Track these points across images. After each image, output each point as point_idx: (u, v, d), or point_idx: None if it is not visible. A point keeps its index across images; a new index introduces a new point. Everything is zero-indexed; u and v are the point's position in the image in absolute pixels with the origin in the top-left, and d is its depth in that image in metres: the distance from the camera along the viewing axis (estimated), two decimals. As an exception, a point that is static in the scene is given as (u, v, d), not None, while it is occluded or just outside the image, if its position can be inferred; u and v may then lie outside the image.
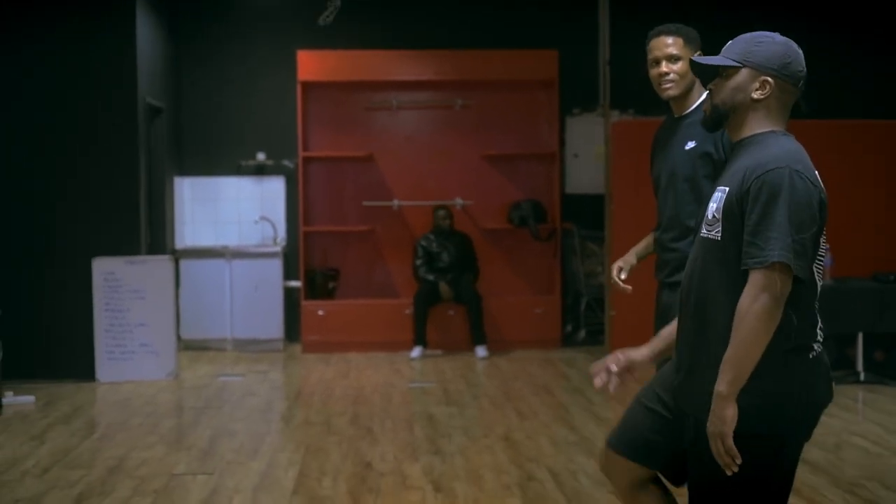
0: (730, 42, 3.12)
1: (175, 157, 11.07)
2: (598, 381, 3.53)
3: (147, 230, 9.79)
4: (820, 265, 3.02)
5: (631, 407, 3.52)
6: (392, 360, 10.21)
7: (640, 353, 3.50)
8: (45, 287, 9.06)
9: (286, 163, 11.26)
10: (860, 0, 11.41)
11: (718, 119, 3.11)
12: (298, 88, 10.92)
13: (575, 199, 11.35)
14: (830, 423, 7.22)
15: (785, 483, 3.07)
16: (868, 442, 6.79)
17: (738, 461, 2.90)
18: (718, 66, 3.08)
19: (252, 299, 10.80)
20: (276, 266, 10.88)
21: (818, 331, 3.04)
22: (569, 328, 11.29)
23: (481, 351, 10.40)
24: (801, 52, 3.08)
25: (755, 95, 3.04)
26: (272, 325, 10.83)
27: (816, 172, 3.00)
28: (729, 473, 2.93)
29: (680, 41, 4.44)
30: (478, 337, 10.49)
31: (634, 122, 10.56)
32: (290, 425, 7.59)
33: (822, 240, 3.01)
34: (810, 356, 2.99)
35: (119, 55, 9.18)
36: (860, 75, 11.38)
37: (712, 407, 2.92)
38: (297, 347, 10.87)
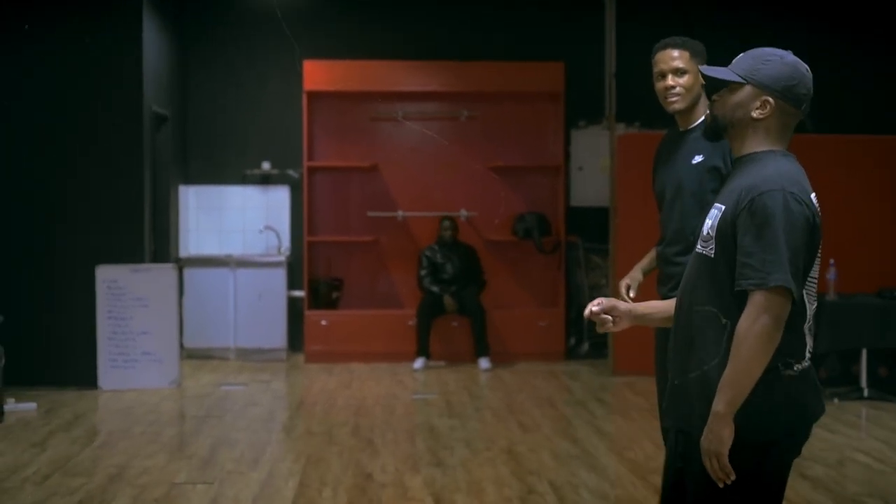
0: (741, 55, 3.10)
1: (180, 165, 11.07)
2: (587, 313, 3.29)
3: (151, 238, 9.79)
4: (811, 286, 3.01)
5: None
6: (395, 371, 10.20)
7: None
8: (48, 294, 9.06)
9: (291, 172, 11.26)
10: (867, 10, 11.39)
11: (716, 130, 3.12)
12: (304, 98, 10.93)
13: (579, 211, 11.33)
14: (833, 440, 7.20)
15: (773, 495, 3.06)
16: (871, 458, 6.76)
17: (732, 478, 2.91)
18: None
19: (256, 308, 10.79)
20: (280, 275, 10.87)
21: (806, 351, 3.03)
22: (572, 341, 11.27)
23: (484, 363, 10.38)
24: (808, 74, 3.05)
25: (755, 114, 3.03)
26: (275, 334, 10.82)
27: (813, 195, 3.00)
28: (721, 486, 2.94)
29: (686, 54, 4.42)
30: (481, 349, 10.48)
31: (640, 134, 10.55)
32: (291, 435, 7.57)
33: (817, 261, 3.01)
34: (795, 368, 2.99)
35: (125, 63, 9.20)
36: (867, 89, 11.37)
37: (709, 425, 2.92)
38: (299, 357, 10.85)
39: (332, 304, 11.06)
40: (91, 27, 9.14)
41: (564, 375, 10.00)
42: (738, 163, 3.09)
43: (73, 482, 6.10)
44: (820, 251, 3.01)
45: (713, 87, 3.16)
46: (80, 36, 9.12)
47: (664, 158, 4.58)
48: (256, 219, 11.35)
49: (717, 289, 2.99)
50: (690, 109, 4.45)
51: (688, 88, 4.42)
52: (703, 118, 4.42)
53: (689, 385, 3.05)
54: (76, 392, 8.85)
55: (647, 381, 8.62)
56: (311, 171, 11.12)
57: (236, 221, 11.36)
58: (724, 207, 3.00)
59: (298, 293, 11.06)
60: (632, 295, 4.52)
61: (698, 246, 3.09)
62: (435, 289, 10.61)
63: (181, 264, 10.63)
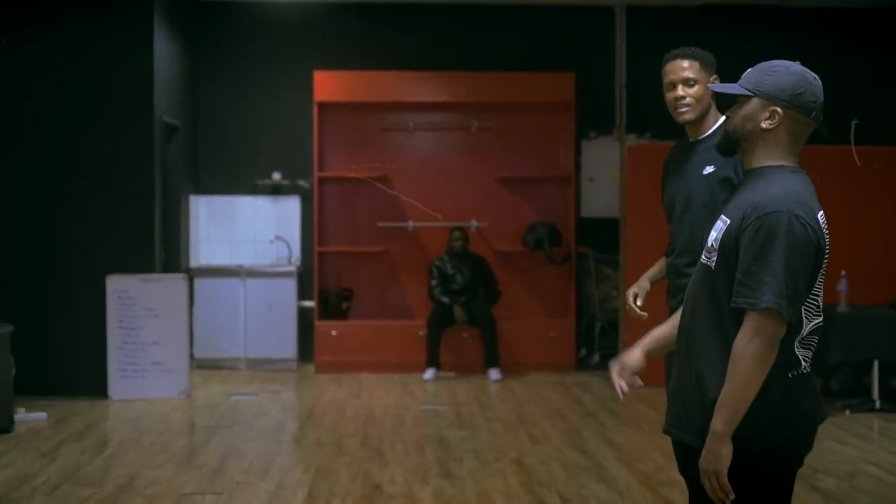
0: (749, 69, 3.12)
1: (191, 175, 11.09)
2: (619, 390, 3.56)
3: (162, 248, 9.80)
4: (812, 303, 3.02)
5: None
6: (405, 382, 10.18)
7: (633, 355, 3.53)
8: (58, 304, 9.07)
9: (302, 183, 11.27)
10: (882, 22, 11.37)
11: (730, 145, 3.14)
12: (315, 109, 10.94)
13: (590, 222, 11.32)
14: (845, 452, 7.17)
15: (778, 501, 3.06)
16: (882, 471, 6.72)
17: (732, 497, 2.94)
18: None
19: (266, 319, 10.80)
20: (291, 286, 10.87)
21: (802, 361, 3.03)
22: (583, 352, 11.25)
23: (495, 374, 10.36)
24: (817, 82, 3.05)
25: (764, 125, 3.03)
26: (285, 344, 10.81)
27: (821, 213, 3.01)
28: None
29: (696, 65, 4.41)
30: (491, 359, 10.46)
31: (650, 145, 10.54)
32: (300, 446, 7.56)
33: (820, 278, 3.02)
34: (790, 375, 3.00)
35: (136, 73, 9.22)
36: (878, 98, 11.34)
37: (707, 445, 2.95)
38: (310, 367, 10.85)
39: (342, 315, 11.05)
40: (102, 37, 9.17)
41: (575, 386, 9.98)
42: (748, 175, 3.10)
43: (82, 492, 6.10)
44: (825, 268, 3.02)
45: (727, 105, 3.17)
46: (92, 46, 9.15)
47: (674, 169, 4.56)
48: (267, 229, 11.36)
49: (716, 300, 3.02)
50: (700, 120, 4.44)
51: (698, 99, 4.40)
52: (713, 129, 4.41)
53: (686, 390, 3.09)
54: (86, 402, 8.85)
55: (657, 393, 8.58)
56: (322, 181, 11.13)
57: (247, 232, 11.37)
58: (729, 221, 3.02)
59: (309, 303, 11.06)
60: (639, 303, 4.50)
61: (703, 256, 3.12)
62: (445, 299, 10.61)
63: (192, 274, 10.63)
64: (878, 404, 8.59)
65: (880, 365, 8.66)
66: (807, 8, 11.19)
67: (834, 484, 6.31)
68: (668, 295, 4.54)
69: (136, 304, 9.02)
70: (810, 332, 3.03)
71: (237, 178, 11.32)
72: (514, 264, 11.34)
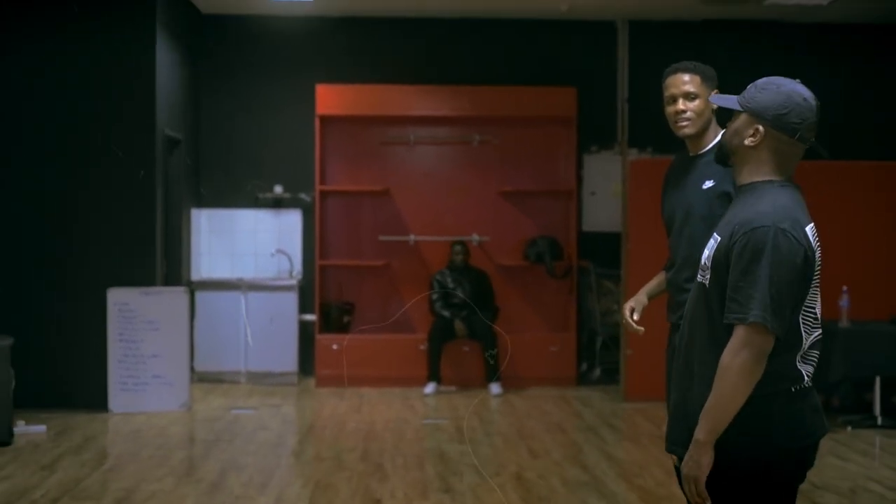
0: (751, 84, 3.14)
1: (192, 188, 11.09)
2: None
3: (163, 261, 9.79)
4: (809, 315, 3.02)
5: None
6: (405, 396, 10.16)
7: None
8: (59, 316, 9.07)
9: (303, 196, 11.26)
10: (883, 38, 11.38)
11: (722, 156, 3.19)
12: (316, 122, 10.94)
13: (591, 236, 11.31)
14: (846, 468, 7.14)
15: None
16: (884, 488, 6.70)
17: (708, 503, 2.99)
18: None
19: (267, 332, 10.78)
20: (292, 299, 10.86)
21: (804, 375, 3.04)
22: (584, 366, 11.23)
23: (495, 388, 10.34)
24: (806, 103, 3.05)
25: (747, 142, 3.08)
26: (286, 358, 10.80)
27: (810, 226, 3.03)
28: None
29: (697, 79, 4.40)
30: (492, 374, 10.44)
31: (652, 160, 10.54)
32: (300, 460, 7.54)
33: (814, 290, 3.04)
34: (792, 389, 3.01)
35: (138, 86, 9.23)
36: (879, 115, 11.34)
37: (689, 451, 3.00)
38: (310, 381, 10.83)
39: (343, 329, 11.04)
40: (105, 50, 9.19)
41: (575, 401, 9.95)
42: (738, 192, 3.15)
43: (80, 505, 6.09)
44: (818, 280, 3.04)
45: (727, 120, 3.21)
46: (94, 59, 9.16)
47: (674, 183, 4.55)
48: (268, 242, 11.35)
49: (711, 317, 3.05)
50: (701, 134, 4.43)
51: (698, 113, 4.39)
52: (713, 143, 4.40)
53: (687, 407, 3.10)
54: (86, 415, 8.84)
55: (658, 408, 8.59)
56: (323, 194, 11.13)
57: (248, 245, 11.36)
58: (720, 238, 3.06)
59: (310, 317, 11.05)
60: (636, 318, 4.49)
61: (698, 274, 3.16)
62: (446, 313, 10.59)
63: (193, 287, 10.63)
64: (879, 420, 8.57)
65: (882, 381, 8.63)
66: (808, 23, 11.19)
67: (835, 500, 6.29)
68: (668, 310, 4.53)
69: (136, 317, 9.01)
70: (811, 347, 3.03)
71: (239, 191, 11.31)
72: (515, 278, 11.33)
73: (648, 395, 9.32)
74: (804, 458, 3.06)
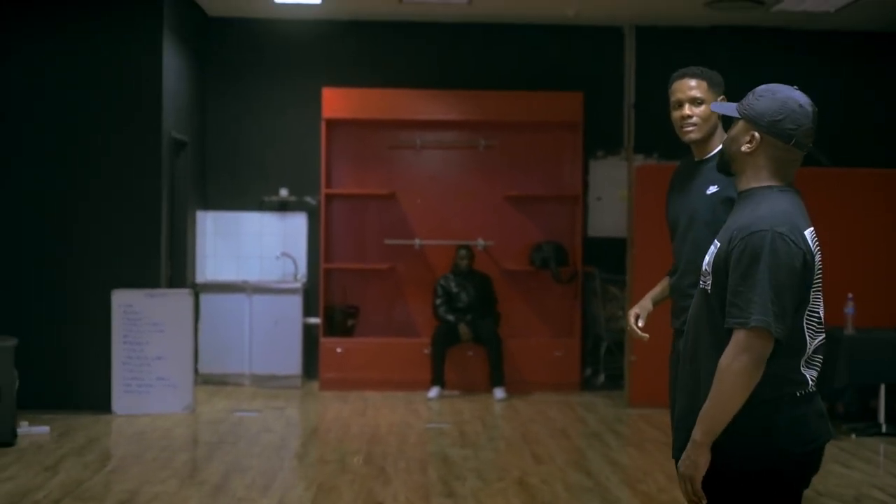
0: (751, 90, 3.16)
1: (198, 190, 11.09)
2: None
3: (168, 263, 9.80)
4: (813, 320, 3.03)
5: None
6: (409, 400, 10.16)
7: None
8: (63, 318, 9.07)
9: (309, 199, 11.27)
10: (890, 45, 11.36)
11: (723, 164, 3.22)
12: (323, 125, 10.95)
13: (597, 242, 11.30)
14: (850, 476, 7.13)
15: None
16: (888, 496, 6.68)
17: (704, 502, 3.02)
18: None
19: (271, 335, 10.78)
20: (297, 302, 10.86)
21: (809, 380, 3.04)
22: (588, 372, 11.21)
23: (499, 392, 10.33)
24: (802, 110, 3.06)
25: (743, 148, 3.10)
26: (290, 361, 10.80)
27: (809, 231, 3.03)
28: None
29: (704, 84, 4.40)
30: (496, 378, 10.43)
31: (658, 166, 10.53)
32: (303, 462, 7.54)
33: (816, 294, 3.04)
34: (798, 394, 3.02)
35: (145, 88, 9.24)
36: (884, 122, 11.32)
37: (687, 451, 3.02)
38: (314, 384, 10.83)
39: (347, 332, 11.04)
40: (111, 53, 9.20)
41: (579, 406, 9.94)
42: (738, 198, 3.17)
43: (83, 507, 6.09)
44: (819, 284, 3.04)
45: (731, 124, 3.21)
46: (101, 61, 9.17)
47: (678, 188, 4.55)
48: (273, 245, 11.36)
49: (714, 323, 3.06)
50: (706, 139, 4.43)
51: (704, 118, 4.39)
52: (718, 149, 4.39)
53: (693, 413, 3.08)
54: (90, 416, 8.84)
55: (662, 414, 8.56)
56: (329, 198, 11.13)
57: (253, 247, 11.37)
58: (719, 244, 3.08)
59: (314, 320, 11.05)
60: (640, 324, 4.48)
61: (700, 280, 3.17)
62: (450, 317, 10.59)
63: (197, 290, 10.63)
64: (884, 428, 8.55)
65: (886, 388, 8.61)
66: (814, 30, 11.18)
67: (839, 508, 6.28)
68: (672, 316, 4.52)
69: (141, 319, 9.01)
70: (815, 351, 3.03)
71: (244, 193, 11.32)
72: (520, 283, 11.32)
73: (652, 400, 9.31)
74: (809, 463, 3.06)
